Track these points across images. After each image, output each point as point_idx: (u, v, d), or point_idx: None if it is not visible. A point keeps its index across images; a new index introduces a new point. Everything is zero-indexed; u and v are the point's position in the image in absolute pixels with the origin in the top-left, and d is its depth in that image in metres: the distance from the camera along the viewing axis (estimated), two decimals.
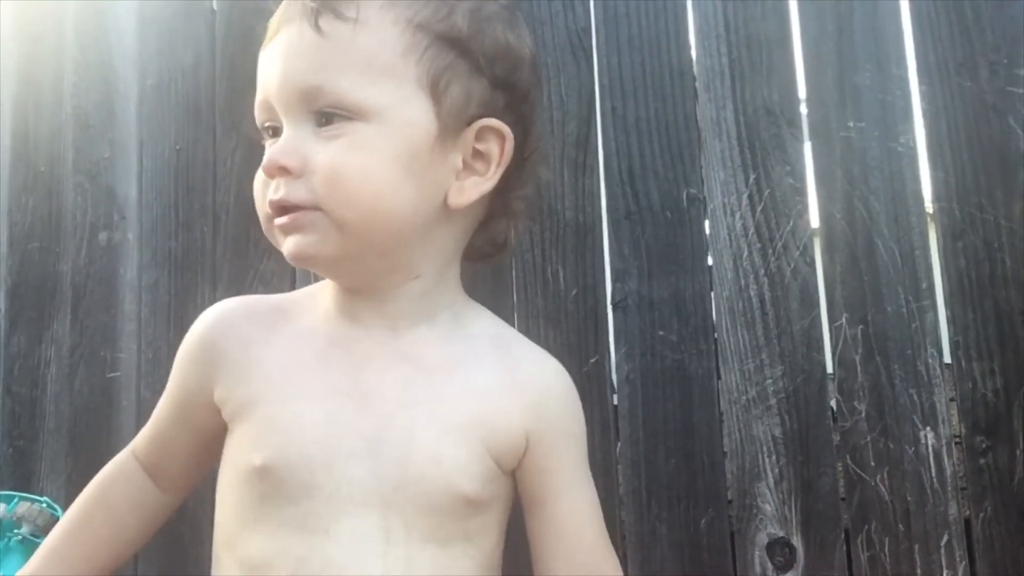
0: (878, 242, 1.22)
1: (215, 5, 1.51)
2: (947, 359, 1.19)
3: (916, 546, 1.16)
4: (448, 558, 0.83)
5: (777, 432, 1.20)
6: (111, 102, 1.54)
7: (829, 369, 1.21)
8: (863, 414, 1.19)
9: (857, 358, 1.20)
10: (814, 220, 1.24)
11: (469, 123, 0.86)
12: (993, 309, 1.18)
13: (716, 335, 1.24)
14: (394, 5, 0.83)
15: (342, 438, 0.83)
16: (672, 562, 1.19)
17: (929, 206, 1.22)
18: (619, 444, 1.24)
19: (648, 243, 1.27)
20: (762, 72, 1.28)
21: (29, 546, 1.09)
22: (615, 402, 1.25)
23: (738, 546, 1.19)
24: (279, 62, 0.83)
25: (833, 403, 1.21)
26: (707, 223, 1.27)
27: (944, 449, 1.17)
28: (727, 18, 1.29)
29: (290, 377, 0.87)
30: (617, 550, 0.94)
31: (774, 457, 1.19)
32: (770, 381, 1.21)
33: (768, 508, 1.19)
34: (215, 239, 1.44)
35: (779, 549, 1.17)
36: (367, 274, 0.87)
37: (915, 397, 1.18)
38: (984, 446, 1.16)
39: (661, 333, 1.24)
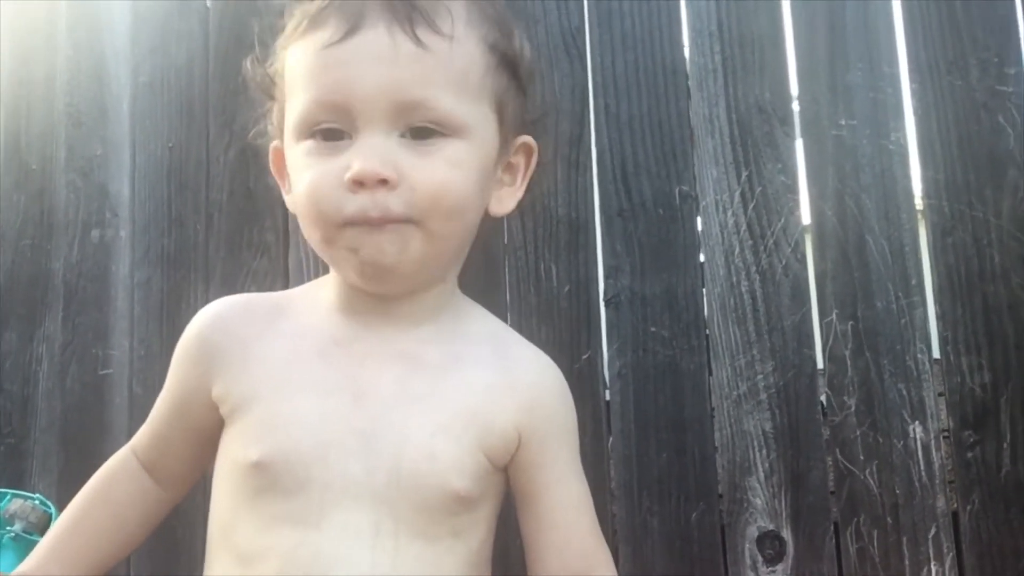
0: (869, 239, 1.23)
1: (208, 3, 1.51)
2: (936, 354, 1.21)
3: (904, 538, 1.17)
4: (434, 554, 0.84)
5: (768, 427, 1.21)
6: (104, 100, 1.54)
7: (819, 364, 1.22)
8: (853, 409, 1.20)
9: (847, 353, 1.21)
10: (805, 217, 1.25)
11: (513, 139, 0.91)
12: (982, 305, 1.19)
13: (708, 331, 1.25)
14: (473, 24, 0.85)
15: (337, 434, 0.84)
16: (663, 555, 1.20)
17: (919, 203, 1.23)
18: (611, 439, 1.24)
19: (641, 240, 1.27)
20: (755, 70, 1.29)
21: (22, 543, 1.08)
22: (607, 397, 1.25)
23: (728, 539, 1.20)
24: (371, 68, 0.80)
25: (823, 398, 1.22)
26: (699, 220, 1.28)
27: (932, 443, 1.18)
28: (720, 17, 1.30)
29: (288, 373, 0.87)
30: (608, 544, 0.95)
31: (764, 451, 1.20)
32: (761, 376, 1.22)
33: (758, 502, 1.19)
34: (208, 237, 1.44)
35: (769, 542, 1.18)
36: (419, 282, 0.88)
37: (904, 392, 1.19)
38: (972, 440, 1.17)
39: (653, 329, 1.25)
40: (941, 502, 1.17)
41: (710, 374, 1.24)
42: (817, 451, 1.19)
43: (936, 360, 1.20)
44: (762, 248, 1.25)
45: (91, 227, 1.50)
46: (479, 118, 0.84)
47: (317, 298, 0.93)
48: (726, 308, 1.24)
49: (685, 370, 1.24)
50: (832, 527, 1.18)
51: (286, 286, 1.36)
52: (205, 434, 0.92)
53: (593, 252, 1.29)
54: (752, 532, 1.19)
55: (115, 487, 0.96)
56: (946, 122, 1.24)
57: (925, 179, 1.24)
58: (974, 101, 1.23)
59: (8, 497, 1.14)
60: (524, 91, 0.91)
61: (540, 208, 1.30)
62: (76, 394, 1.44)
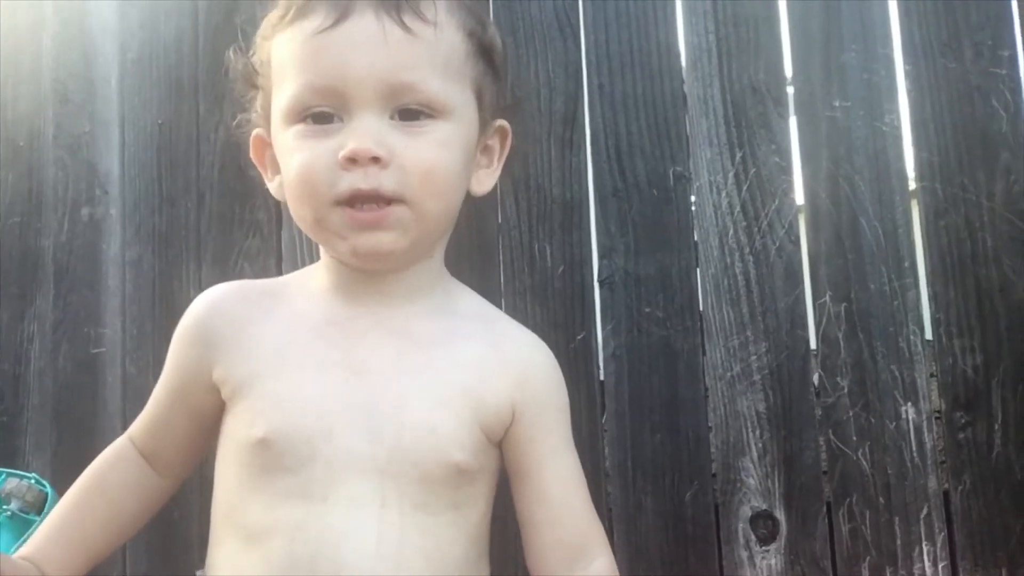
0: (862, 221, 1.23)
1: None
2: (928, 336, 1.22)
3: (896, 518, 1.18)
4: (436, 526, 0.86)
5: (761, 407, 1.21)
6: (92, 77, 1.52)
7: (812, 345, 1.23)
8: (845, 390, 1.21)
9: (840, 335, 1.22)
10: (799, 198, 1.26)
11: (490, 122, 0.96)
12: (974, 287, 1.20)
13: (701, 312, 1.26)
14: (452, 12, 0.89)
15: (339, 409, 0.86)
16: (657, 534, 1.21)
17: (912, 185, 1.24)
18: (605, 419, 1.25)
19: (635, 220, 1.27)
20: (749, 50, 1.28)
21: (18, 522, 1.08)
22: (601, 378, 1.26)
23: (722, 519, 1.21)
24: (363, 53, 0.84)
25: (816, 379, 1.23)
26: (693, 201, 1.28)
27: (924, 424, 1.19)
28: None
29: (287, 353, 0.89)
30: (603, 523, 0.96)
31: (758, 432, 1.21)
32: (754, 357, 1.22)
33: (752, 482, 1.20)
34: (199, 215, 1.43)
35: (762, 522, 1.19)
36: (409, 260, 0.91)
37: (896, 373, 1.20)
38: (963, 421, 1.19)
39: (647, 310, 1.25)
40: (933, 482, 1.18)
41: (704, 355, 1.24)
42: (810, 432, 1.20)
43: (928, 342, 1.21)
44: (756, 229, 1.25)
45: (81, 205, 1.49)
46: (463, 101, 0.89)
47: (310, 283, 0.96)
48: (720, 289, 1.25)
49: (679, 351, 1.24)
50: (825, 507, 1.19)
51: (278, 265, 1.35)
52: (205, 419, 0.93)
53: (587, 232, 1.29)
54: (745, 512, 1.20)
55: (112, 475, 0.96)
56: (940, 104, 1.24)
57: (918, 161, 1.24)
58: (968, 83, 1.23)
59: (3, 476, 1.14)
60: (499, 78, 0.96)
61: (534, 188, 1.29)
62: (68, 373, 1.44)
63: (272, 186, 0.95)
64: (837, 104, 1.26)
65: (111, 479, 0.96)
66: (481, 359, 0.91)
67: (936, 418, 1.20)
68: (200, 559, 0.93)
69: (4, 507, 1.10)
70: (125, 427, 1.03)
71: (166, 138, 1.46)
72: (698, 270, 1.26)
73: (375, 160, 0.82)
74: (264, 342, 0.90)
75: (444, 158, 0.86)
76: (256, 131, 0.95)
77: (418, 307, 0.92)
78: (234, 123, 1.02)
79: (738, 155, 1.26)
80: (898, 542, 1.17)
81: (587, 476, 0.95)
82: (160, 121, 1.47)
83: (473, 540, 0.89)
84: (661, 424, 1.23)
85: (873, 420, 1.20)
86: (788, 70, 1.29)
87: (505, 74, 1.01)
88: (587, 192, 1.29)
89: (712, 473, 1.22)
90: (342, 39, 0.84)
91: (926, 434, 1.19)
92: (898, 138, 1.24)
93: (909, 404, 1.19)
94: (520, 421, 0.91)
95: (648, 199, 1.28)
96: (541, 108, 1.30)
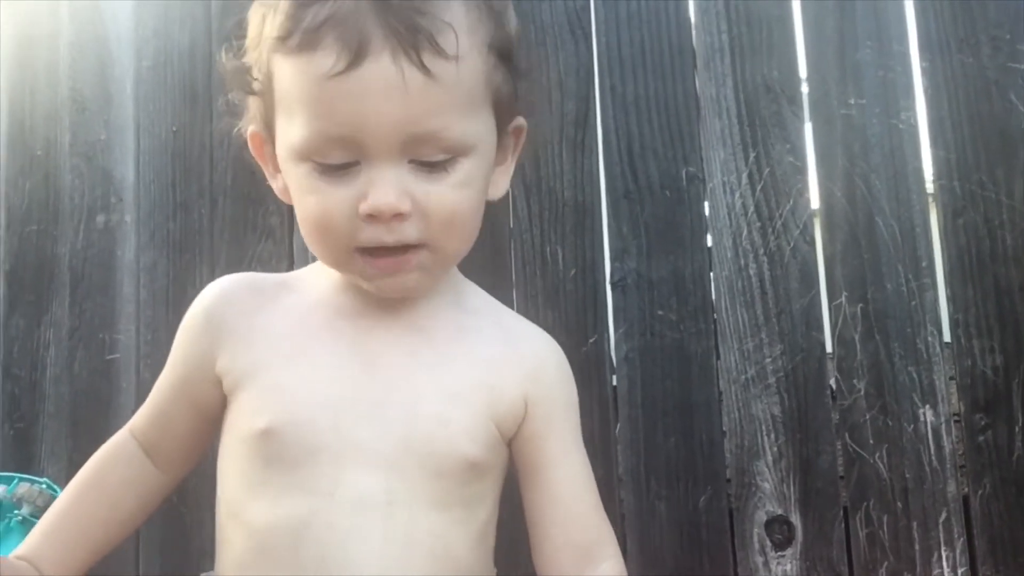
0: (878, 220, 1.21)
1: None
2: (947, 337, 1.19)
3: (915, 523, 1.16)
4: (444, 523, 0.84)
5: (776, 411, 1.20)
6: (107, 84, 1.53)
7: (828, 348, 1.21)
8: (862, 392, 1.19)
9: (856, 336, 1.20)
10: (814, 198, 1.24)
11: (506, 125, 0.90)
12: (993, 287, 1.18)
13: (715, 314, 1.24)
14: (474, 31, 0.82)
15: (348, 400, 0.84)
16: (671, 540, 1.19)
17: (930, 184, 1.22)
18: (618, 423, 1.24)
19: (647, 222, 1.26)
20: (762, 49, 1.27)
21: (29, 527, 1.08)
22: (614, 381, 1.24)
23: (737, 524, 1.19)
24: (381, 101, 0.78)
25: (832, 382, 1.21)
26: (706, 202, 1.27)
27: (943, 427, 1.17)
28: None
29: (294, 343, 0.87)
30: (616, 529, 0.95)
31: (773, 436, 1.19)
32: (769, 360, 1.21)
33: (767, 486, 1.19)
34: (212, 221, 1.43)
35: (778, 527, 1.18)
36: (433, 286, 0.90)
37: (914, 375, 1.18)
38: (983, 423, 1.16)
39: (660, 312, 1.24)
40: (952, 487, 1.16)
41: (718, 358, 1.23)
42: (826, 435, 1.19)
43: (947, 343, 1.19)
44: (770, 230, 1.23)
45: (96, 212, 1.50)
46: (485, 129, 0.84)
47: (321, 277, 0.94)
48: (734, 291, 1.23)
49: (693, 354, 1.23)
50: (841, 512, 1.18)
51: (291, 269, 1.35)
52: (206, 412, 0.92)
53: (599, 234, 1.28)
54: (761, 517, 1.18)
55: (111, 470, 0.95)
56: (957, 101, 1.22)
57: (935, 159, 1.22)
58: (985, 79, 1.21)
59: (16, 481, 1.14)
60: (517, 73, 0.88)
61: (545, 191, 1.29)
62: (84, 379, 1.45)
63: (275, 185, 0.92)
64: (852, 102, 1.24)
65: (110, 475, 0.95)
66: (494, 354, 0.90)
67: (955, 421, 1.17)
68: (211, 561, 0.92)
69: (16, 511, 1.10)
70: None
71: (180, 145, 1.48)
72: (712, 272, 1.25)
73: (400, 216, 0.79)
74: (270, 333, 0.88)
75: (466, 198, 0.82)
76: (253, 128, 0.92)
77: (430, 303, 0.91)
78: (234, 130, 0.99)
79: (752, 155, 1.25)
80: (916, 547, 1.15)
81: (600, 481, 0.94)
82: (175, 128, 1.48)
83: (480, 540, 0.88)
84: (675, 428, 1.22)
85: (891, 423, 1.18)
86: (802, 69, 1.27)
87: (522, 67, 0.92)
88: (599, 194, 1.28)
89: (727, 478, 1.21)
90: (359, 87, 0.77)
91: (945, 437, 1.17)
92: (914, 136, 1.22)
93: (927, 406, 1.17)
94: (532, 417, 0.89)
95: (661, 201, 1.27)
96: (553, 111, 1.30)
